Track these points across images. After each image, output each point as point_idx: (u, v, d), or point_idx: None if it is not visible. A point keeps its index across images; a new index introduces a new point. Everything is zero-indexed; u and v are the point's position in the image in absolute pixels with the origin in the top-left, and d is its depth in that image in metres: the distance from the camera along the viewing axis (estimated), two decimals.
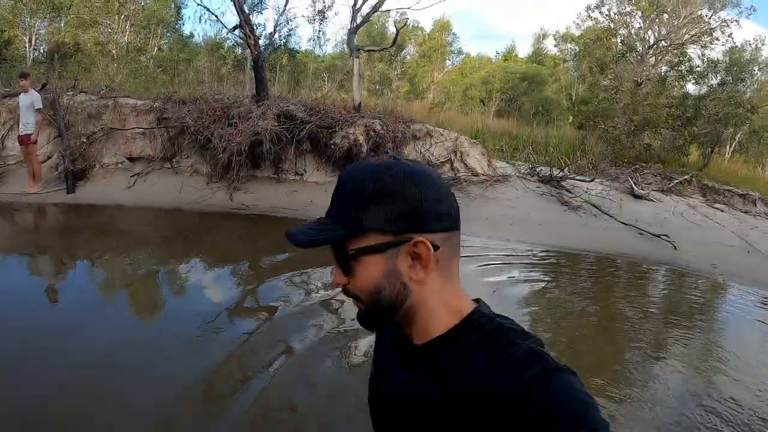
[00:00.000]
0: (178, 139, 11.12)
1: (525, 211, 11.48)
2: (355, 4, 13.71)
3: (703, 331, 6.70)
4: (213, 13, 13.16)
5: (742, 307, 8.26)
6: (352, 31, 13.73)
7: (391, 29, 30.51)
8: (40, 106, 9.92)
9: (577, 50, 27.87)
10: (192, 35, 25.03)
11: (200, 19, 31.18)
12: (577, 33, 27.36)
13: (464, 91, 29.46)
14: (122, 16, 23.26)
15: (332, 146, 10.91)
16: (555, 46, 33.01)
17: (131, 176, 10.73)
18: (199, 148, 10.89)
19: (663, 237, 11.07)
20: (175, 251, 7.62)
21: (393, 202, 0.90)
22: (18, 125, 10.06)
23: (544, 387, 0.80)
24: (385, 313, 0.97)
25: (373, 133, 11.16)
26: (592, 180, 13.69)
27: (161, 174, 10.93)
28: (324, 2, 19.06)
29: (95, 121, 11.24)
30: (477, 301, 1.03)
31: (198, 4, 14.42)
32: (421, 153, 12.30)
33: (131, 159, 11.22)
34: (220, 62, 21.05)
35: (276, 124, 10.63)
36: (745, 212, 14.82)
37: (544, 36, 35.52)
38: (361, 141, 10.92)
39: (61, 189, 10.14)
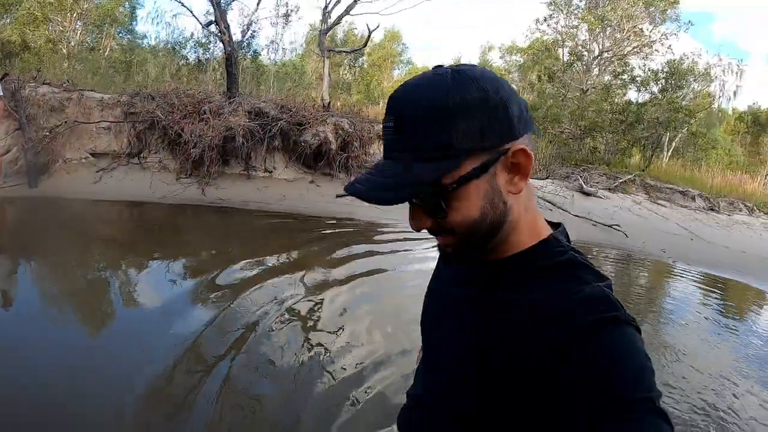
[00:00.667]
0: (146, 134, 10.75)
1: None
2: (325, 7, 13.76)
3: (656, 302, 7.68)
4: (188, 8, 12.90)
5: (689, 280, 9.34)
6: (323, 33, 13.73)
7: (340, 35, 30.60)
8: (1, 94, 9.42)
9: (522, 62, 28.58)
10: (145, 36, 24.27)
11: (153, 21, 29.31)
12: (524, 45, 28.11)
13: None
14: (75, 14, 22.49)
15: (303, 143, 10.84)
16: (500, 57, 33.37)
17: (96, 172, 10.32)
18: (169, 143, 10.58)
19: (615, 227, 11.91)
20: (144, 245, 7.26)
21: (482, 111, 0.80)
22: None
23: (605, 335, 0.75)
24: (484, 240, 0.88)
25: (341, 132, 11.17)
26: (546, 178, 14.38)
27: (128, 170, 10.54)
28: (288, 6, 18.88)
29: (58, 114, 10.70)
30: (557, 225, 1.00)
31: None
32: None
33: (95, 154, 10.72)
34: (182, 62, 20.48)
35: (248, 120, 10.50)
36: (686, 207, 15.77)
37: (490, 48, 35.93)
38: (330, 139, 10.91)
39: (21, 183, 9.56)
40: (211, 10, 11.41)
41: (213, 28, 11.81)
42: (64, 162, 10.37)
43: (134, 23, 24.55)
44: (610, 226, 11.97)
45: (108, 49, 23.59)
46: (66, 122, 10.56)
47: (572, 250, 0.91)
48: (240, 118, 10.42)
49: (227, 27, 11.41)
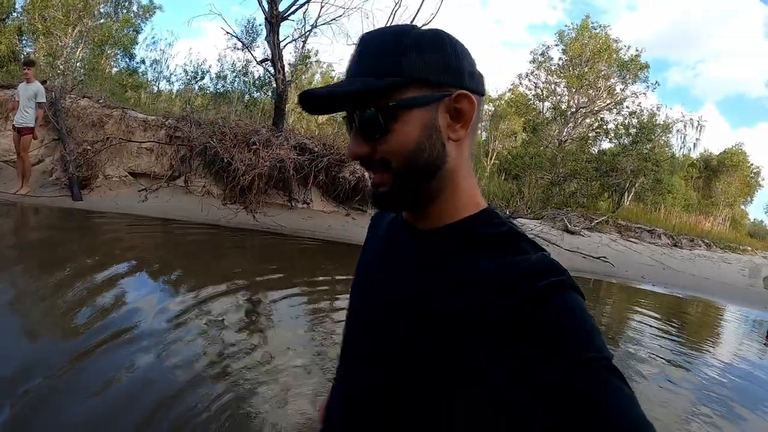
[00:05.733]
0: (191, 158, 10.56)
1: None
2: None
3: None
4: (244, 44, 12.54)
5: (669, 298, 11.78)
6: None
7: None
8: (43, 100, 8.89)
9: (493, 110, 29.40)
10: (143, 61, 23.47)
11: (147, 47, 27.01)
12: (495, 95, 29.16)
13: None
14: (75, 31, 21.77)
15: (341, 179, 10.96)
16: None
17: (139, 191, 10.00)
18: (215, 169, 10.43)
19: (602, 258, 13.44)
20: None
21: (434, 53, 0.80)
22: (10, 117, 9.10)
23: (562, 298, 0.73)
24: (419, 180, 0.83)
25: None
26: (542, 218, 15.79)
27: (172, 192, 10.28)
28: (303, 50, 18.89)
29: (97, 129, 10.30)
30: None
31: (228, 33, 13.44)
32: None
33: (134, 174, 10.41)
34: (199, 92, 19.93)
35: (296, 154, 10.53)
36: (653, 244, 17.63)
37: None
38: (366, 177, 11.05)
39: (63, 195, 9.09)
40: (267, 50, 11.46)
41: (268, 65, 11.77)
42: (105, 178, 10.00)
43: (135, 47, 23.71)
44: (598, 258, 13.39)
45: (108, 69, 22.76)
46: (109, 139, 10.15)
47: (509, 221, 0.87)
48: (287, 152, 10.41)
49: (282, 67, 11.43)
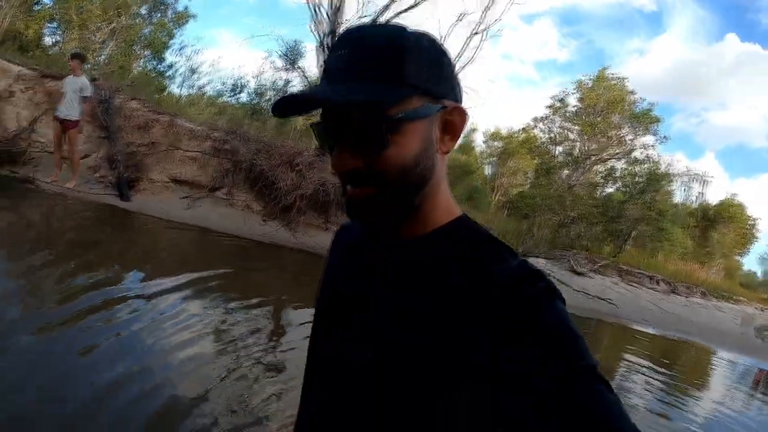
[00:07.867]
0: (234, 172, 10.74)
1: None
2: None
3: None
4: (300, 69, 12.64)
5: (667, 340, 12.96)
6: None
7: None
8: (89, 95, 8.68)
9: (502, 147, 30.06)
10: (171, 66, 23.59)
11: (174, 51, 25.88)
12: (507, 133, 30.05)
13: None
14: (110, 27, 21.77)
15: None
16: (484, 142, 33.72)
17: (181, 198, 10.15)
18: (259, 186, 10.59)
19: (608, 300, 14.38)
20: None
21: (432, 60, 0.76)
22: (53, 110, 8.78)
23: (554, 305, 0.71)
24: (408, 195, 0.78)
25: None
26: (553, 258, 16.30)
27: (214, 203, 10.46)
28: None
29: (143, 132, 10.33)
30: None
31: (280, 55, 13.00)
32: None
33: (176, 181, 10.52)
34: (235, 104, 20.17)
35: (336, 179, 10.60)
36: (652, 289, 18.19)
37: (474, 130, 34.94)
38: None
39: (111, 194, 9.11)
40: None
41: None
42: (149, 182, 10.11)
43: (166, 51, 23.50)
44: (604, 299, 14.27)
45: (136, 69, 22.66)
46: (155, 143, 10.31)
47: (483, 227, 0.85)
48: (329, 176, 10.65)
49: None
